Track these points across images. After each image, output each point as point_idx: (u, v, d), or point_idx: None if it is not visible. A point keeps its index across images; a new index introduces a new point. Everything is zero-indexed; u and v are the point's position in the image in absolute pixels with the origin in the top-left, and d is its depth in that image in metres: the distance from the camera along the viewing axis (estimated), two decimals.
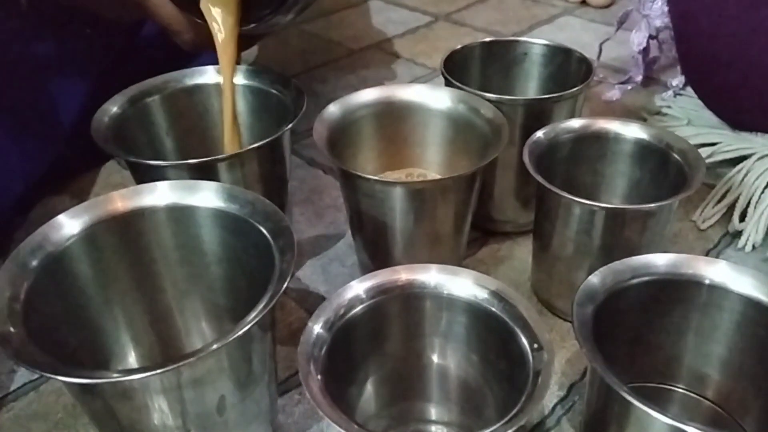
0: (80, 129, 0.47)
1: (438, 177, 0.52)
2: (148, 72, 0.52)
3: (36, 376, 0.45)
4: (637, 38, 0.74)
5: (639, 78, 0.76)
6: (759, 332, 0.36)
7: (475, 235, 0.56)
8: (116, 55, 0.62)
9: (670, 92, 0.73)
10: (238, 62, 0.51)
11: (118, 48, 0.62)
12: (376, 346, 0.38)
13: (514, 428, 0.29)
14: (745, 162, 0.59)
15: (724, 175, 0.59)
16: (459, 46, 0.56)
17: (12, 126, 0.52)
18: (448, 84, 0.52)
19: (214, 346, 0.29)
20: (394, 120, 0.52)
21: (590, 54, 0.55)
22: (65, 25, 0.56)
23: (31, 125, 0.55)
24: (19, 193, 0.53)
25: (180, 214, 0.39)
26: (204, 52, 0.51)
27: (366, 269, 0.50)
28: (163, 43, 0.54)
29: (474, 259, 0.54)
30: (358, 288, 0.36)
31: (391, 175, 0.53)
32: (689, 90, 0.71)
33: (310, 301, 0.51)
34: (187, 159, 0.43)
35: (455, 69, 0.53)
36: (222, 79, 0.50)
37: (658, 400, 0.39)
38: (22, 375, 0.46)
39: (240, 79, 0.52)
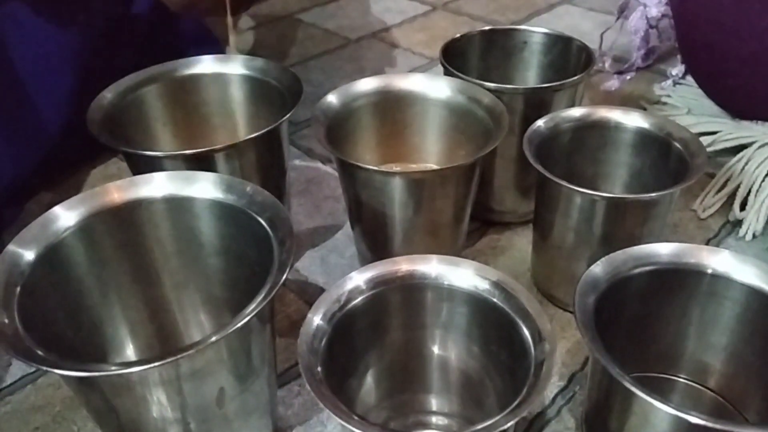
0: (75, 120, 0.47)
1: (437, 167, 0.52)
2: (141, 62, 0.51)
3: (33, 369, 0.45)
4: (635, 25, 0.74)
5: (638, 63, 0.76)
6: (761, 322, 0.36)
7: (474, 226, 0.55)
8: (108, 46, 0.61)
9: (670, 81, 0.72)
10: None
11: (109, 38, 0.61)
12: (377, 337, 0.37)
13: (516, 419, 0.29)
14: (745, 151, 0.59)
15: (725, 163, 0.59)
16: (458, 35, 0.56)
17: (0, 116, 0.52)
18: (447, 73, 0.51)
19: (213, 339, 0.29)
20: (393, 110, 0.51)
21: (589, 42, 0.55)
22: (54, 14, 0.55)
23: (21, 116, 0.54)
24: (7, 184, 0.52)
25: (177, 205, 0.38)
26: (190, 13, 0.48)
27: (365, 260, 0.50)
28: (156, 31, 0.53)
29: (473, 249, 0.54)
30: (359, 279, 0.36)
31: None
32: (689, 79, 0.71)
33: (309, 293, 0.51)
34: (183, 149, 0.43)
35: (454, 58, 0.53)
36: None
37: (659, 390, 0.39)
38: (20, 368, 0.45)
39: (237, 69, 0.52)
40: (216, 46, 0.72)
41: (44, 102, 0.57)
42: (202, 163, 0.42)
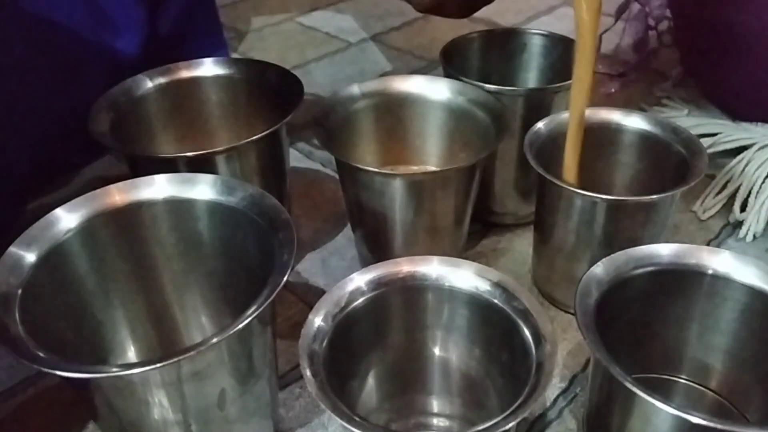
0: (76, 122, 0.47)
1: (437, 169, 0.52)
2: (144, 64, 0.51)
3: (35, 371, 0.45)
4: (634, 26, 0.74)
5: (638, 65, 0.76)
6: (762, 322, 0.36)
7: (475, 228, 0.55)
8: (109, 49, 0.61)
9: (670, 83, 0.73)
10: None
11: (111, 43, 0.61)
12: (378, 338, 0.37)
13: (517, 421, 0.29)
14: (745, 152, 0.59)
15: (725, 165, 0.59)
16: (458, 37, 0.56)
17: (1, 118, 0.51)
18: (447, 75, 0.52)
19: (214, 340, 0.29)
20: (393, 112, 0.51)
21: None
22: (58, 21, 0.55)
23: (23, 117, 0.54)
24: (7, 187, 0.52)
25: (178, 207, 0.38)
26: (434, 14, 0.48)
27: (366, 262, 0.50)
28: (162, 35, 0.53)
29: (474, 251, 0.54)
30: (359, 280, 0.36)
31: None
32: (689, 80, 0.71)
33: (310, 295, 0.51)
34: (184, 152, 0.43)
35: (454, 59, 0.53)
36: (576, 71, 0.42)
37: (660, 390, 0.39)
38: (21, 370, 0.45)
39: (238, 72, 0.52)
40: (224, 48, 0.72)
41: (45, 104, 0.56)
42: (202, 165, 0.43)
